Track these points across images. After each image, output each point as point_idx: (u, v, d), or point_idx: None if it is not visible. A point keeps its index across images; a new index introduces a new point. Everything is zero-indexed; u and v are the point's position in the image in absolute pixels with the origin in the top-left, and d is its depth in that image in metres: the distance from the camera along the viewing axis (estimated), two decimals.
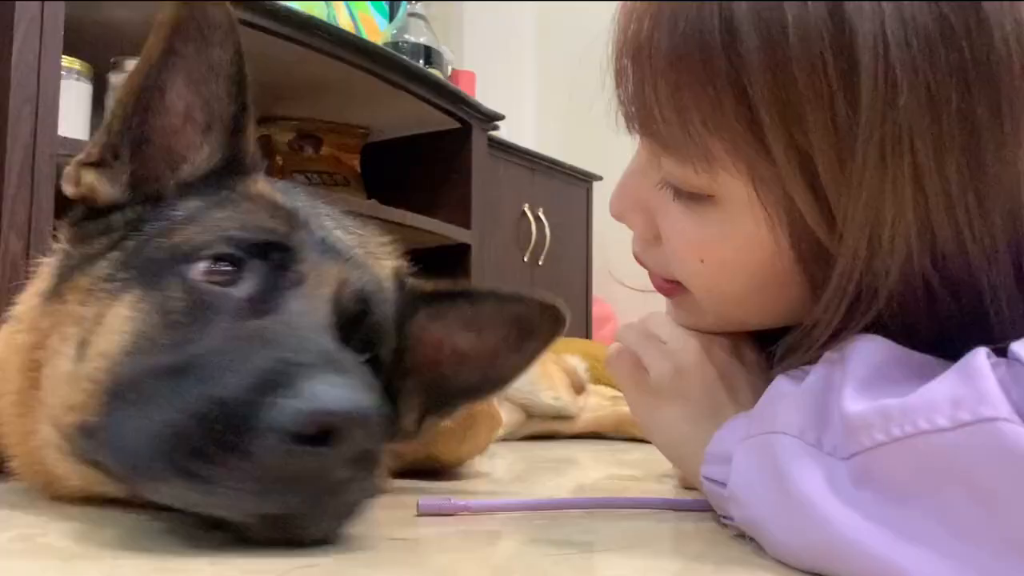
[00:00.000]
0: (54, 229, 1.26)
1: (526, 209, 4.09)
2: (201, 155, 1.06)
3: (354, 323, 1.01)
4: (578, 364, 2.75)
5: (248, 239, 0.98)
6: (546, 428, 2.41)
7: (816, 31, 0.79)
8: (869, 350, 0.79)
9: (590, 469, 1.78)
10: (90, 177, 1.04)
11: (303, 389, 0.76)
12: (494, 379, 1.18)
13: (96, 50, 2.32)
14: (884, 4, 0.78)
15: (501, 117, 3.63)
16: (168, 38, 1.00)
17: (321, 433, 0.76)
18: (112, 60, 2.40)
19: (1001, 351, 0.70)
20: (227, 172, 1.07)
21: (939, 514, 0.67)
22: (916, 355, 0.78)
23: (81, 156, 1.05)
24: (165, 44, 1.00)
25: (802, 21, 0.79)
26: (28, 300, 1.08)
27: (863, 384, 0.76)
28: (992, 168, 0.80)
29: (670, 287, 1.04)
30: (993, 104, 0.79)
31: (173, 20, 0.99)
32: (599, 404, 2.60)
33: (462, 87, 3.62)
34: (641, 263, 1.06)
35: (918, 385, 0.70)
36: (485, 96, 3.80)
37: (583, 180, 4.40)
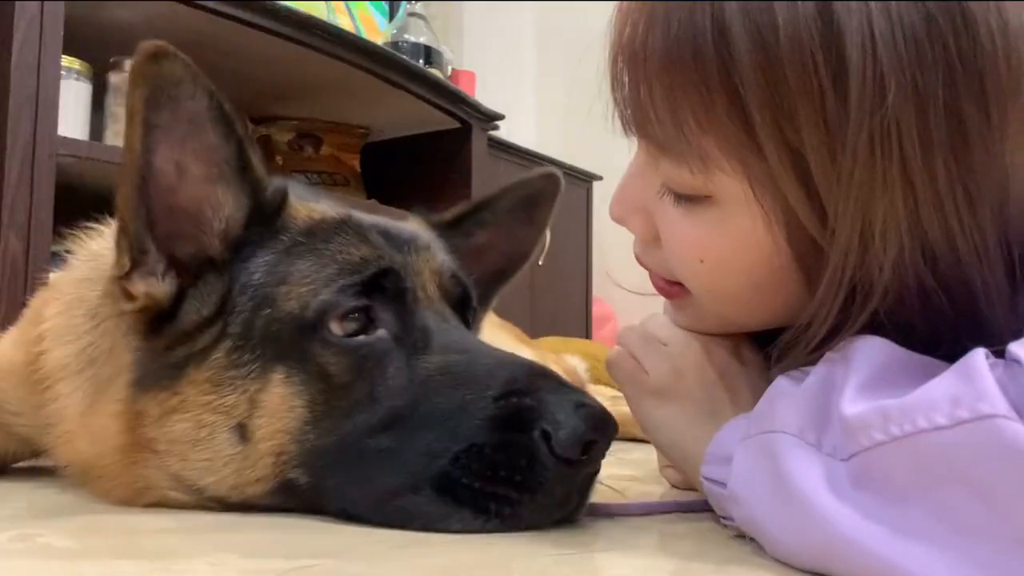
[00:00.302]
0: (55, 229, 1.26)
1: None
2: (227, 206, 1.06)
3: (461, 300, 1.16)
4: (578, 364, 2.75)
5: (359, 281, 1.04)
6: None
7: (806, 31, 0.80)
8: (870, 351, 0.79)
9: None
10: (141, 286, 1.04)
11: (556, 419, 0.92)
12: (519, 255, 1.40)
13: (96, 50, 2.32)
14: (872, 4, 0.79)
15: (501, 117, 3.63)
16: (143, 120, 0.99)
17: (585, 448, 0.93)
18: (112, 60, 2.40)
19: (999, 353, 0.70)
20: (263, 210, 1.08)
21: (939, 512, 0.67)
22: (916, 356, 0.78)
23: (115, 272, 1.05)
24: (142, 127, 0.99)
25: (792, 21, 0.80)
26: (65, 345, 1.11)
27: (863, 385, 0.76)
28: (979, 163, 0.81)
29: (671, 289, 1.04)
30: (979, 99, 0.80)
31: (141, 98, 0.98)
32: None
33: (462, 87, 3.62)
34: (642, 264, 1.07)
35: (918, 386, 0.71)
36: (485, 96, 3.80)
37: (583, 180, 4.40)
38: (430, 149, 3.48)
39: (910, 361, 0.78)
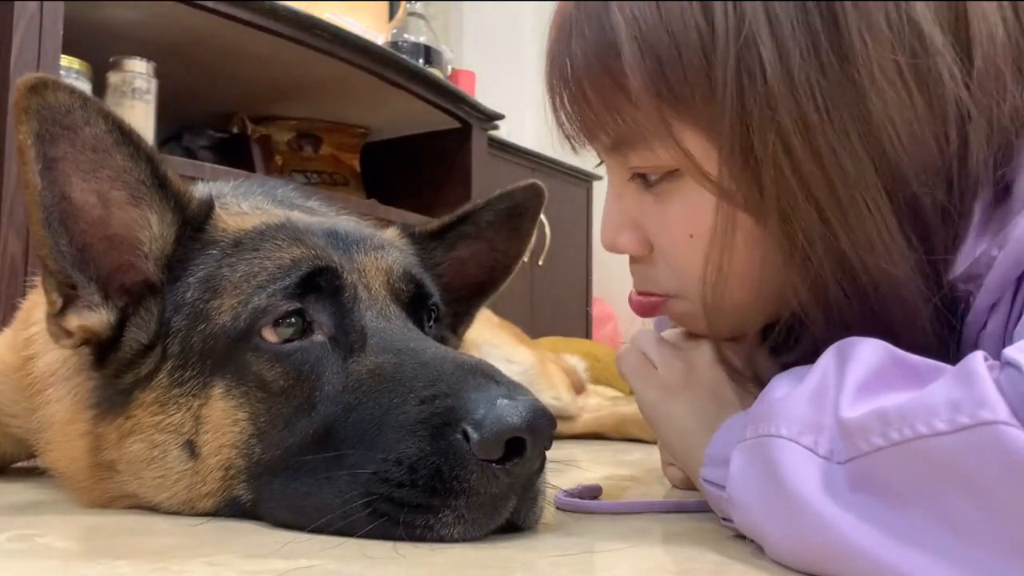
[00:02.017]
0: None
1: None
2: (154, 226, 1.05)
3: (414, 299, 1.12)
4: (578, 364, 2.75)
5: (290, 284, 1.02)
6: None
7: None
8: (867, 352, 0.79)
9: (590, 470, 1.78)
10: (75, 321, 1.04)
11: (476, 419, 0.88)
12: (502, 268, 1.38)
13: (95, 50, 2.32)
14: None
15: (501, 117, 3.63)
16: (37, 156, 0.97)
17: (513, 446, 0.88)
18: (111, 59, 2.40)
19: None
20: (190, 224, 1.07)
21: (938, 517, 0.67)
22: (914, 357, 0.78)
23: (47, 311, 1.05)
24: (38, 163, 0.97)
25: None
26: (52, 350, 1.12)
27: (861, 387, 0.76)
28: (846, 99, 0.85)
29: (651, 302, 1.07)
30: (832, 26, 0.85)
31: (31, 134, 0.96)
32: (599, 404, 2.59)
33: (462, 87, 3.63)
34: (638, 282, 1.10)
35: (916, 389, 0.71)
36: (485, 96, 3.80)
37: (583, 180, 4.40)
38: (430, 149, 3.48)
39: (908, 362, 0.78)
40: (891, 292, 0.88)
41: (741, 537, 0.90)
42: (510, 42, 5.02)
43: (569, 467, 1.82)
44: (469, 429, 0.88)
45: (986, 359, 0.68)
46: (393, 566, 0.79)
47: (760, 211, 0.89)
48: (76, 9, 2.15)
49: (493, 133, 3.69)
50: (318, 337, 1.02)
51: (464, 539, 0.89)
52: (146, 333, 1.04)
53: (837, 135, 0.85)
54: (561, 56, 0.97)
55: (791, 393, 0.82)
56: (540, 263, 4.15)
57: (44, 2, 2.06)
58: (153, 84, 2.43)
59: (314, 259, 1.04)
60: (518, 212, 1.35)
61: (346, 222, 1.18)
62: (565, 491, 1.14)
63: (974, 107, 0.86)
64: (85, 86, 2.33)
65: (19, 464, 1.37)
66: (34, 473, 1.36)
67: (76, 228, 1.02)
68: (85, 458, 1.07)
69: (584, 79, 0.95)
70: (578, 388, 2.58)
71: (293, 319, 1.01)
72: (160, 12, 2.36)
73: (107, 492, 1.06)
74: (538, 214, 1.36)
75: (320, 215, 1.27)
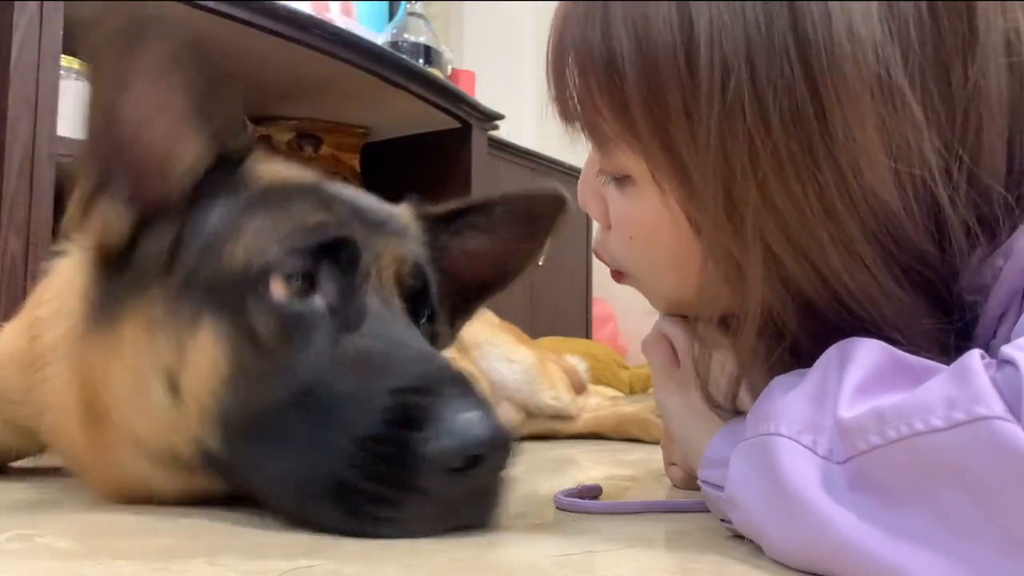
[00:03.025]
0: (54, 228, 1.29)
1: None
2: (191, 149, 1.06)
3: (417, 295, 1.12)
4: (579, 364, 2.75)
5: (314, 245, 1.03)
6: (546, 428, 2.41)
7: (666, 24, 0.87)
8: (866, 353, 0.79)
9: (590, 469, 1.78)
10: (99, 215, 1.05)
11: (445, 424, 0.88)
12: (510, 270, 1.35)
13: None
14: (720, 3, 0.85)
15: (501, 117, 3.63)
16: (114, 56, 1.03)
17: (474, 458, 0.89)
18: None
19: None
20: (226, 158, 1.08)
21: (936, 514, 0.67)
22: (913, 358, 0.78)
23: (77, 194, 1.06)
24: (114, 63, 1.03)
25: (656, 17, 0.87)
26: (56, 327, 1.12)
27: (859, 387, 0.76)
28: (824, 152, 0.84)
29: (618, 275, 1.10)
30: (809, 83, 0.83)
31: (111, 38, 1.03)
32: (599, 404, 2.60)
33: (462, 87, 3.63)
34: (598, 256, 1.12)
35: (915, 388, 0.71)
36: (485, 96, 3.80)
37: None
38: (430, 149, 3.48)
39: (906, 363, 0.78)
40: (895, 334, 0.87)
41: (740, 537, 0.90)
42: (510, 42, 5.03)
43: (569, 467, 1.82)
44: (436, 433, 0.88)
45: (983, 357, 0.68)
46: (393, 567, 0.79)
47: (744, 256, 0.89)
48: (76, 9, 2.15)
49: (493, 133, 3.69)
50: (319, 304, 1.02)
51: (413, 536, 0.89)
52: (157, 247, 1.05)
53: (822, 203, 0.84)
54: (557, 50, 0.99)
55: (791, 393, 0.82)
56: (540, 263, 4.15)
57: (44, 2, 2.06)
58: None
59: (338, 228, 1.05)
60: (537, 218, 1.33)
61: (370, 198, 1.17)
62: (565, 491, 1.15)
63: (957, 217, 0.85)
64: (84, 87, 2.33)
65: (19, 464, 1.37)
66: (34, 473, 1.36)
67: (126, 121, 1.05)
68: (77, 406, 1.07)
69: (573, 77, 0.97)
70: (579, 388, 2.58)
71: (301, 279, 1.02)
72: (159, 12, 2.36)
73: (110, 451, 1.06)
74: (556, 224, 1.32)
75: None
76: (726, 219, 0.87)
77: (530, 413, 2.37)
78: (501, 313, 2.37)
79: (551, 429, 2.42)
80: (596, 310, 4.75)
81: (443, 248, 1.26)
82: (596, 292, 4.66)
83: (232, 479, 1.02)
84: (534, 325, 3.36)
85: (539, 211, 1.32)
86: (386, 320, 1.03)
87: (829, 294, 0.88)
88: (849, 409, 0.74)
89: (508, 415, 2.30)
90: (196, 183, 1.07)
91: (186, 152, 1.06)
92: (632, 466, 1.76)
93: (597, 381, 2.93)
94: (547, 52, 1.00)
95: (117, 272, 1.06)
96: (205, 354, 1.00)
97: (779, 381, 0.87)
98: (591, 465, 1.85)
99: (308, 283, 1.02)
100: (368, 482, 0.89)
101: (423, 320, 1.14)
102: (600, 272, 4.53)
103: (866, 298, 0.87)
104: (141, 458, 1.05)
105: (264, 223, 1.04)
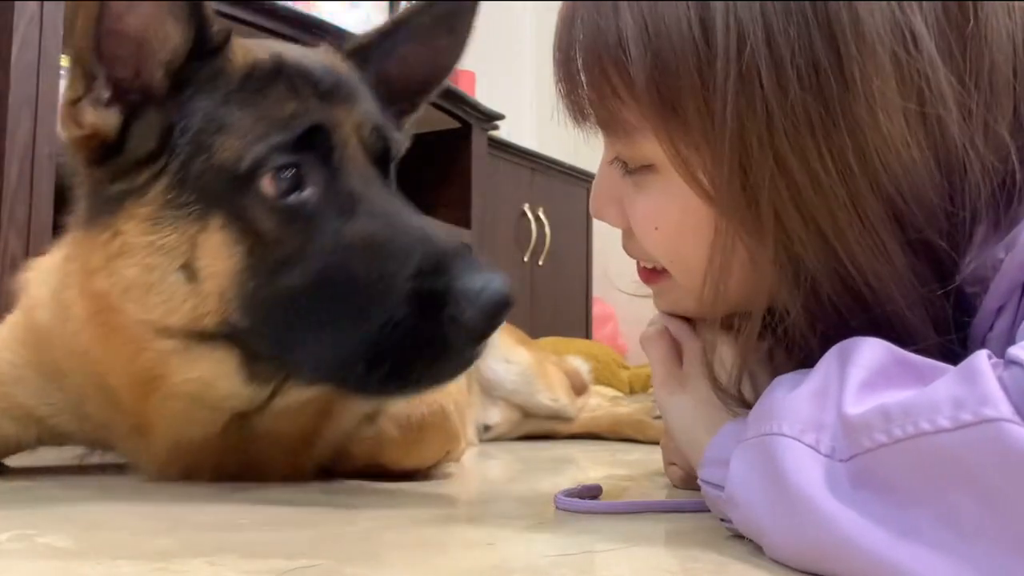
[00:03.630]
0: (54, 229, 1.33)
1: (526, 209, 4.09)
2: (174, 37, 1.11)
3: (382, 156, 1.22)
4: (581, 365, 2.75)
5: (293, 138, 1.10)
6: (543, 428, 2.41)
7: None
8: (870, 351, 0.79)
9: (588, 469, 1.78)
10: (90, 115, 1.11)
11: (466, 299, 1.03)
12: (440, 68, 1.44)
13: None
14: None
15: (501, 117, 3.63)
16: None
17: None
18: None
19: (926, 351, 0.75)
20: (206, 45, 1.14)
21: (941, 515, 0.67)
22: (918, 357, 0.78)
23: (67, 96, 1.11)
24: None
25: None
26: (48, 274, 1.22)
27: (864, 385, 0.76)
28: (845, 123, 0.84)
29: (650, 274, 1.08)
30: (832, 51, 0.84)
31: None
32: (596, 404, 2.60)
33: (462, 87, 3.63)
34: (629, 254, 1.11)
35: (919, 387, 0.71)
36: (485, 96, 3.80)
37: (583, 180, 4.40)
38: (430, 149, 3.48)
39: (910, 362, 0.78)
40: (893, 304, 0.87)
41: (741, 537, 0.89)
42: (510, 42, 5.02)
43: (567, 467, 1.82)
44: (457, 310, 1.03)
45: (990, 357, 0.68)
46: (394, 567, 0.79)
47: (756, 231, 0.89)
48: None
49: (493, 133, 3.69)
50: (311, 194, 1.11)
51: (440, 385, 1.15)
52: (148, 141, 1.11)
53: (836, 164, 0.85)
54: (566, 40, 0.98)
55: (793, 392, 0.81)
56: (540, 263, 4.16)
57: (44, 2, 2.06)
58: None
59: (307, 114, 1.13)
60: (455, 12, 1.41)
61: (314, 58, 1.24)
62: (565, 491, 1.14)
63: (977, 160, 0.86)
64: None
65: (18, 462, 1.37)
66: (35, 473, 1.36)
67: (109, 12, 1.08)
68: (80, 309, 1.15)
69: (586, 68, 0.96)
70: (580, 390, 2.58)
71: (290, 172, 1.10)
72: None
73: (122, 342, 1.14)
74: (475, 13, 1.41)
75: None
76: (740, 192, 0.88)
77: (527, 413, 2.37)
78: None
79: (549, 429, 2.42)
80: (596, 310, 4.74)
81: (378, 71, 1.33)
82: (596, 292, 4.66)
83: (257, 346, 1.13)
84: (533, 325, 3.36)
85: (459, 5, 1.40)
86: (373, 199, 1.13)
87: (834, 268, 0.88)
88: (855, 405, 0.74)
89: (504, 415, 2.30)
90: (178, 72, 1.12)
91: (167, 38, 1.11)
92: (631, 466, 1.76)
93: (597, 381, 2.93)
94: (554, 53, 1.00)
95: (110, 175, 1.12)
96: (218, 247, 1.09)
97: (781, 380, 0.87)
98: (590, 465, 1.85)
99: (297, 175, 1.10)
100: (401, 354, 1.05)
101: (388, 176, 1.23)
102: (600, 272, 4.55)
103: (869, 267, 0.87)
104: (158, 344, 1.13)
105: (245, 116, 1.11)
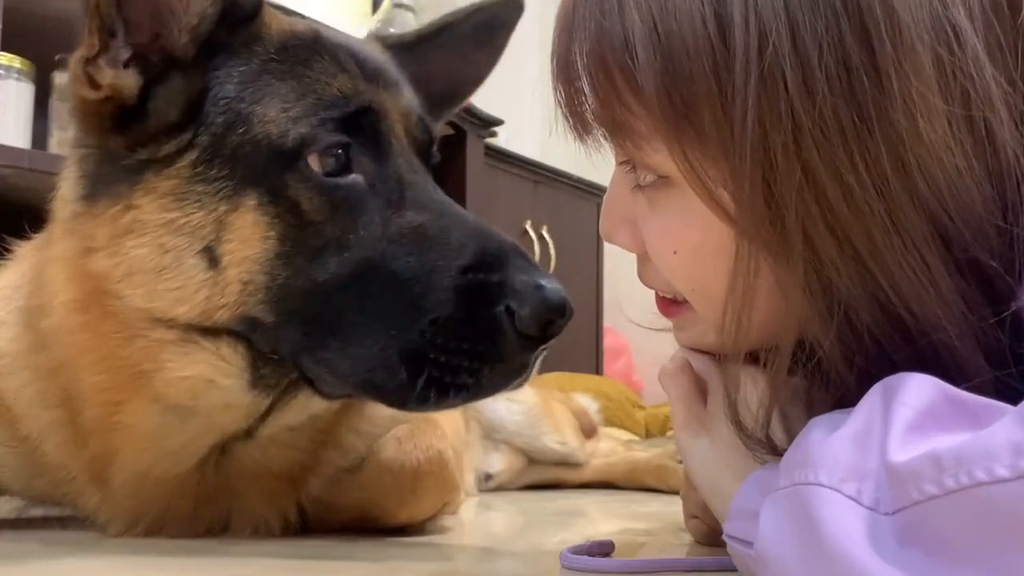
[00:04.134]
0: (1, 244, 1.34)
1: (528, 226, 4.09)
2: (198, 2, 1.13)
3: (426, 147, 1.27)
4: (589, 404, 2.74)
5: (339, 117, 1.14)
6: (550, 476, 2.40)
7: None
8: (917, 388, 0.79)
9: (600, 523, 1.78)
10: (108, 74, 1.13)
11: (521, 297, 1.07)
12: (471, 80, 1.53)
13: (39, 46, 2.33)
14: None
15: (499, 122, 3.63)
16: None
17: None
18: (57, 58, 2.40)
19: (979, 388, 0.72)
20: (237, 11, 1.16)
21: (1000, 575, 0.67)
22: (971, 397, 0.77)
23: (81, 53, 1.13)
24: None
25: None
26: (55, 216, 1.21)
27: (910, 428, 0.76)
28: (879, 126, 0.84)
29: (669, 305, 1.08)
30: (866, 51, 0.84)
31: None
32: (610, 449, 2.59)
33: None
34: (645, 283, 1.11)
35: (973, 430, 0.70)
36: (482, 99, 3.80)
37: (593, 193, 4.40)
38: None
39: (962, 400, 0.77)
40: (939, 333, 0.87)
41: None
42: (510, 39, 5.03)
43: (576, 520, 1.82)
44: (514, 306, 1.07)
45: None
46: None
47: (783, 253, 0.89)
48: (16, 1, 2.16)
49: (491, 141, 3.69)
50: (359, 179, 1.14)
51: (490, 395, 1.14)
52: (174, 109, 1.13)
53: (871, 175, 0.85)
54: (565, 43, 0.98)
55: (831, 436, 0.81)
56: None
57: None
58: None
59: (358, 94, 1.16)
60: (494, 24, 1.47)
61: (359, 43, 1.30)
62: (572, 547, 1.14)
63: None
64: (27, 87, 2.34)
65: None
66: (18, 525, 1.36)
67: None
68: (67, 293, 1.15)
69: (589, 74, 0.96)
70: (589, 432, 2.57)
71: (339, 152, 1.13)
72: None
73: (111, 327, 1.14)
74: (513, 28, 1.48)
75: None
76: (764, 210, 0.87)
77: (533, 459, 2.36)
78: None
79: (556, 477, 2.41)
80: (608, 342, 4.73)
81: (412, 69, 1.36)
82: (607, 321, 4.65)
83: (274, 344, 1.13)
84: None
85: (497, 17, 1.47)
86: (423, 190, 1.17)
87: (872, 293, 0.87)
88: (901, 452, 0.73)
89: (507, 461, 2.30)
90: (206, 39, 1.14)
91: (199, 1, 1.13)
92: (648, 519, 1.75)
93: (609, 423, 2.92)
94: (552, 57, 1.01)
95: (128, 143, 1.13)
96: (251, 229, 1.10)
97: (817, 422, 0.86)
98: (602, 518, 1.85)
99: (345, 156, 1.13)
100: (449, 357, 1.07)
101: (428, 169, 1.26)
102: (612, 299, 4.54)
103: (912, 291, 0.86)
104: (154, 334, 1.13)
105: (290, 91, 1.13)
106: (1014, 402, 0.71)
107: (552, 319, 1.08)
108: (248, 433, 1.22)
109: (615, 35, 0.91)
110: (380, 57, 1.29)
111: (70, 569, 1.05)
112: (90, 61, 1.13)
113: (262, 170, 1.11)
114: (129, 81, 1.13)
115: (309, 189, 1.11)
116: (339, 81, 1.16)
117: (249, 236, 1.10)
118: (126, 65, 1.13)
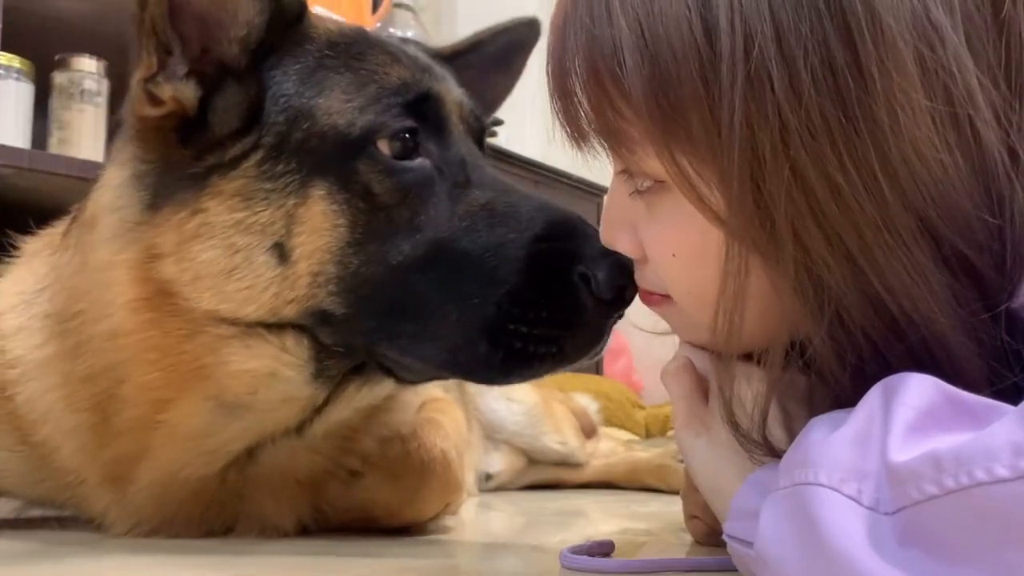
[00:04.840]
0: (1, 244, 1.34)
1: None
2: (248, 10, 1.15)
3: (479, 137, 1.30)
4: (589, 404, 2.74)
5: (404, 103, 1.17)
6: (550, 476, 2.40)
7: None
8: (917, 389, 0.79)
9: (600, 523, 1.78)
10: (168, 89, 1.14)
11: (595, 261, 1.10)
12: (489, 103, 1.53)
13: (39, 46, 2.33)
14: None
15: (500, 123, 3.62)
16: None
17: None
18: (57, 57, 2.41)
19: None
20: (284, 15, 1.18)
21: (1000, 575, 0.67)
22: (971, 397, 0.77)
23: (140, 74, 1.15)
24: None
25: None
26: (97, 224, 1.21)
27: (910, 428, 0.76)
28: (865, 126, 0.85)
29: (654, 297, 1.09)
30: (849, 50, 0.84)
31: None
32: (611, 450, 2.59)
33: None
34: (643, 292, 1.11)
35: (973, 430, 0.70)
36: None
37: (593, 194, 4.39)
38: None
39: (962, 400, 0.77)
40: (931, 326, 0.87)
41: None
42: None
43: (576, 520, 1.82)
44: (589, 271, 1.10)
45: None
46: None
47: (773, 252, 0.89)
48: (17, 1, 2.15)
49: (491, 141, 3.68)
50: (426, 162, 1.16)
51: (572, 364, 1.14)
52: (236, 116, 1.15)
53: (860, 173, 0.85)
54: (559, 55, 0.99)
55: (831, 436, 0.81)
56: None
57: None
58: (105, 85, 2.44)
59: (418, 83, 1.20)
60: (514, 47, 1.53)
61: (405, 42, 1.34)
62: (572, 547, 1.14)
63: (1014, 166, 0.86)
64: (27, 87, 2.34)
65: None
66: (18, 525, 1.37)
67: None
68: (127, 293, 1.15)
69: (581, 81, 0.97)
70: (589, 432, 2.57)
71: (407, 137, 1.15)
72: (113, 3, 2.36)
73: (173, 326, 1.15)
74: (531, 50, 1.52)
75: None
76: (753, 210, 0.88)
77: (533, 459, 2.36)
78: None
79: (556, 477, 2.41)
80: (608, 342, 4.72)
81: None
82: None
83: (346, 336, 1.16)
84: None
85: (518, 41, 1.52)
86: (485, 171, 1.20)
87: (862, 290, 0.88)
88: (901, 452, 0.74)
89: (507, 461, 2.30)
90: (257, 45, 1.16)
91: (239, 12, 1.15)
92: (649, 519, 1.75)
93: (609, 423, 2.92)
94: (547, 67, 1.01)
95: (194, 153, 1.15)
96: (321, 219, 1.12)
97: (817, 422, 0.87)
98: (602, 518, 1.85)
99: (413, 141, 1.15)
100: (529, 326, 1.10)
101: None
102: None
103: (902, 287, 0.86)
104: (217, 330, 1.14)
105: (350, 82, 1.16)
106: (1013, 401, 0.71)
107: (625, 283, 1.09)
108: (299, 429, 1.24)
109: (604, 42, 0.92)
110: (424, 54, 1.32)
111: (72, 568, 1.06)
112: (149, 80, 1.14)
113: (329, 161, 1.13)
114: (189, 93, 1.15)
115: (380, 174, 1.13)
116: (396, 71, 1.19)
117: (319, 226, 1.12)
118: (185, 79, 1.15)
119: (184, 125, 1.16)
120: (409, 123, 1.16)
